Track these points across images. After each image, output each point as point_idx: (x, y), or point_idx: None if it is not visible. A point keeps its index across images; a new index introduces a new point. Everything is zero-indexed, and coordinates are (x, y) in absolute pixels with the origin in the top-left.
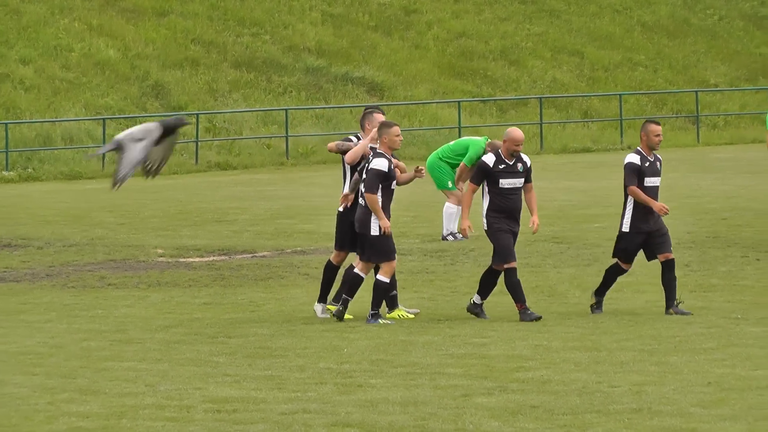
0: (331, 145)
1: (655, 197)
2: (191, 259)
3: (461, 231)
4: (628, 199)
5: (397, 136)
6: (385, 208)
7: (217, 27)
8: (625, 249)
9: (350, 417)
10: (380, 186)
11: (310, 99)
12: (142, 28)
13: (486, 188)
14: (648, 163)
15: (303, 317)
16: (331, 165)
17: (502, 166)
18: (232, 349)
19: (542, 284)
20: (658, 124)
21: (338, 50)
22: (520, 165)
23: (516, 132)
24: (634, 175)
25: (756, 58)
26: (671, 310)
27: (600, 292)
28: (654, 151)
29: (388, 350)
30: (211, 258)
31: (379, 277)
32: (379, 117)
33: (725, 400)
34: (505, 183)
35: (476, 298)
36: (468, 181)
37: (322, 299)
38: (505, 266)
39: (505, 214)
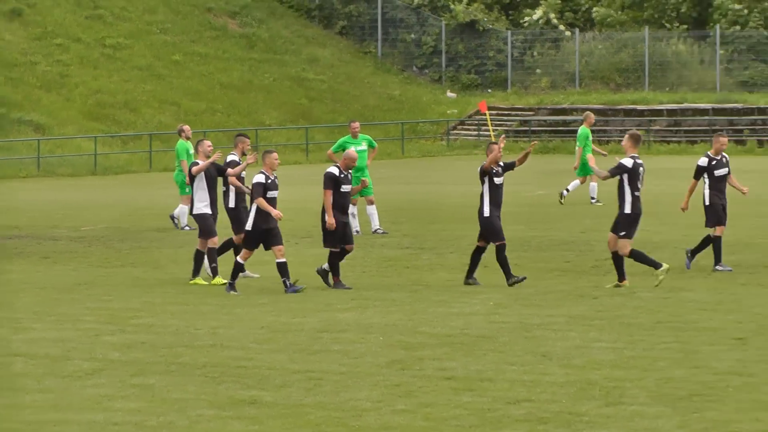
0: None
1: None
2: None
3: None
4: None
5: (276, 159)
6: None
7: None
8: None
9: (19, 349)
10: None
11: None
12: None
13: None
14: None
15: None
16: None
17: (342, 175)
18: None
19: (150, 260)
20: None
21: (14, 101)
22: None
23: (352, 152)
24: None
25: (297, 107)
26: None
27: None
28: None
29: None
30: None
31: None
32: (246, 140)
33: (273, 339)
34: (345, 188)
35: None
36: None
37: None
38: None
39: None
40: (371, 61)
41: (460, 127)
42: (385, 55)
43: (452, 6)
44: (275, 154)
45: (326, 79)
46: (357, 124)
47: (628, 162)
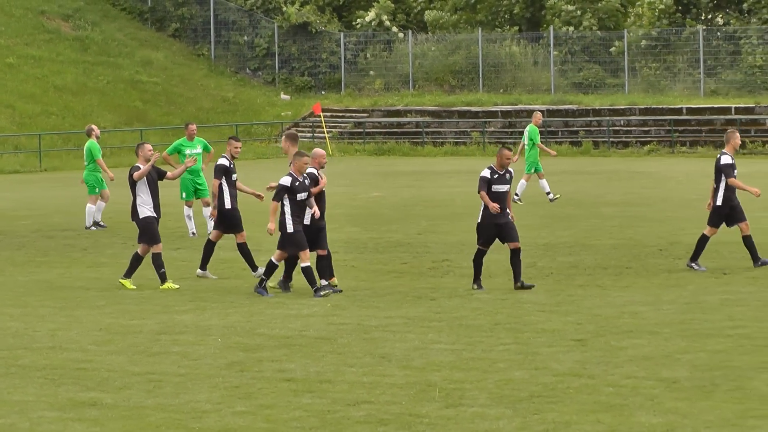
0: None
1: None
2: None
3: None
4: None
5: (306, 164)
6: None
7: None
8: None
9: None
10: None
11: None
12: None
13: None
14: None
15: None
16: None
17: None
18: None
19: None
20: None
21: None
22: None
23: (320, 150)
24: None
25: (132, 109)
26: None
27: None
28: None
29: None
30: None
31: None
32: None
33: (112, 341)
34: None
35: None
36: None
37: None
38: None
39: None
40: (205, 64)
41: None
42: (218, 57)
43: (285, 8)
44: (306, 158)
45: (160, 81)
46: (194, 127)
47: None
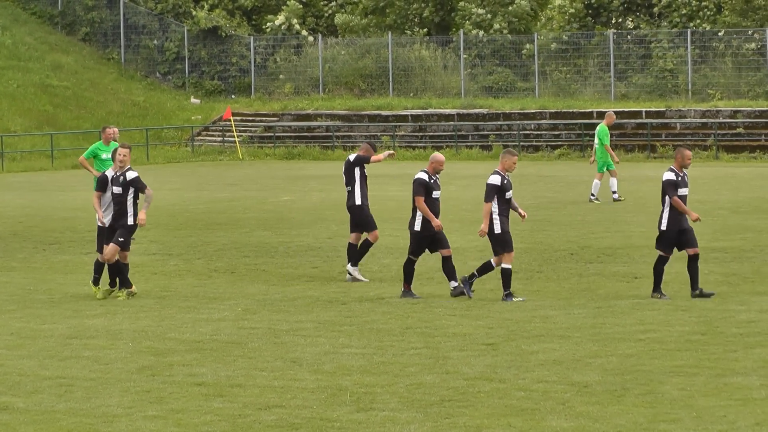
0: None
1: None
2: None
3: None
4: None
5: (514, 163)
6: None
7: None
8: None
9: None
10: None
11: None
12: None
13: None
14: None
15: None
16: None
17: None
18: None
19: None
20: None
21: None
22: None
23: (439, 156)
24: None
25: (42, 113)
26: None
27: None
28: None
29: None
30: None
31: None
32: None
33: (23, 345)
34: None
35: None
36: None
37: None
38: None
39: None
40: (115, 68)
41: (204, 133)
42: (128, 61)
43: (194, 12)
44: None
45: (70, 85)
46: (114, 130)
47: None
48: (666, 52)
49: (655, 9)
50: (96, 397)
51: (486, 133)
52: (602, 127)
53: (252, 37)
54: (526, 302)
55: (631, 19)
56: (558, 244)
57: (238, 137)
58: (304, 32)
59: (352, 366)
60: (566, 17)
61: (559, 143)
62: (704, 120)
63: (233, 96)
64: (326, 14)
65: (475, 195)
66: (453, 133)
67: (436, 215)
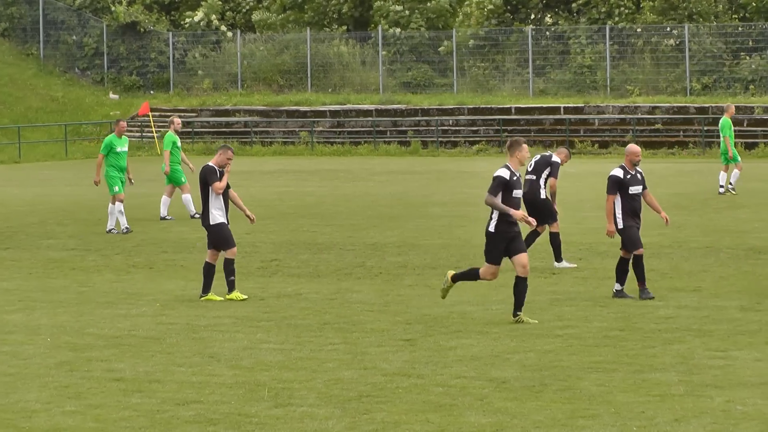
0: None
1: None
2: None
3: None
4: None
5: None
6: None
7: None
8: None
9: None
10: None
11: None
12: None
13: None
14: None
15: None
16: None
17: (629, 176)
18: None
19: None
20: None
21: None
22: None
23: (634, 147)
24: None
25: None
26: None
27: None
28: None
29: None
30: None
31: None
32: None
33: None
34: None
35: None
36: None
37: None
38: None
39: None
40: (34, 63)
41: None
42: (47, 56)
43: (113, 8)
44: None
45: None
46: (124, 124)
47: None
48: (584, 48)
49: (574, 5)
50: (14, 393)
51: (404, 128)
52: (724, 119)
53: (171, 33)
54: (445, 299)
55: (549, 15)
56: (476, 239)
57: (156, 133)
58: (223, 28)
59: (270, 361)
60: (485, 13)
61: (478, 139)
62: (623, 116)
63: (152, 92)
64: (244, 10)
65: (394, 191)
66: (371, 129)
67: (637, 213)
